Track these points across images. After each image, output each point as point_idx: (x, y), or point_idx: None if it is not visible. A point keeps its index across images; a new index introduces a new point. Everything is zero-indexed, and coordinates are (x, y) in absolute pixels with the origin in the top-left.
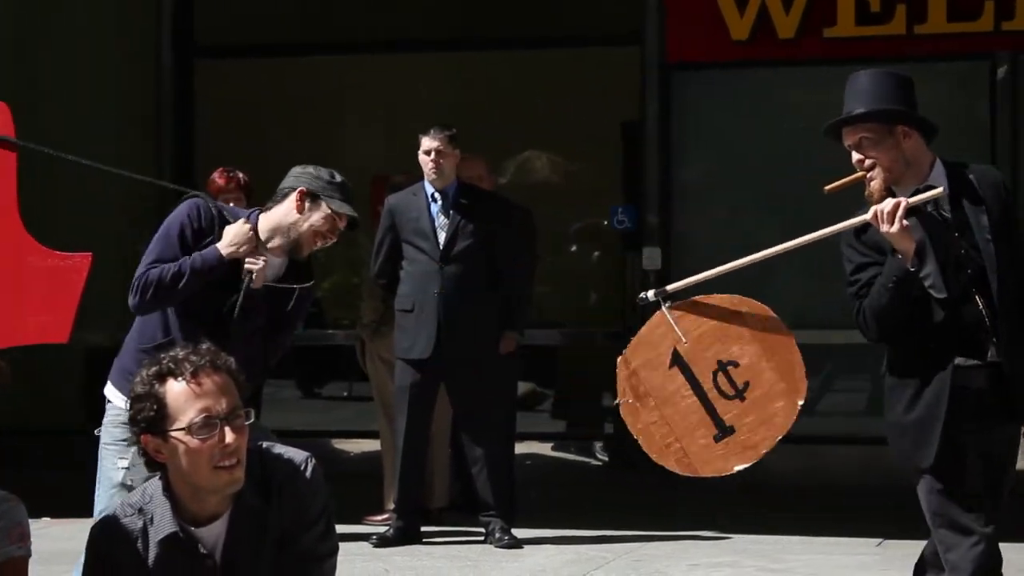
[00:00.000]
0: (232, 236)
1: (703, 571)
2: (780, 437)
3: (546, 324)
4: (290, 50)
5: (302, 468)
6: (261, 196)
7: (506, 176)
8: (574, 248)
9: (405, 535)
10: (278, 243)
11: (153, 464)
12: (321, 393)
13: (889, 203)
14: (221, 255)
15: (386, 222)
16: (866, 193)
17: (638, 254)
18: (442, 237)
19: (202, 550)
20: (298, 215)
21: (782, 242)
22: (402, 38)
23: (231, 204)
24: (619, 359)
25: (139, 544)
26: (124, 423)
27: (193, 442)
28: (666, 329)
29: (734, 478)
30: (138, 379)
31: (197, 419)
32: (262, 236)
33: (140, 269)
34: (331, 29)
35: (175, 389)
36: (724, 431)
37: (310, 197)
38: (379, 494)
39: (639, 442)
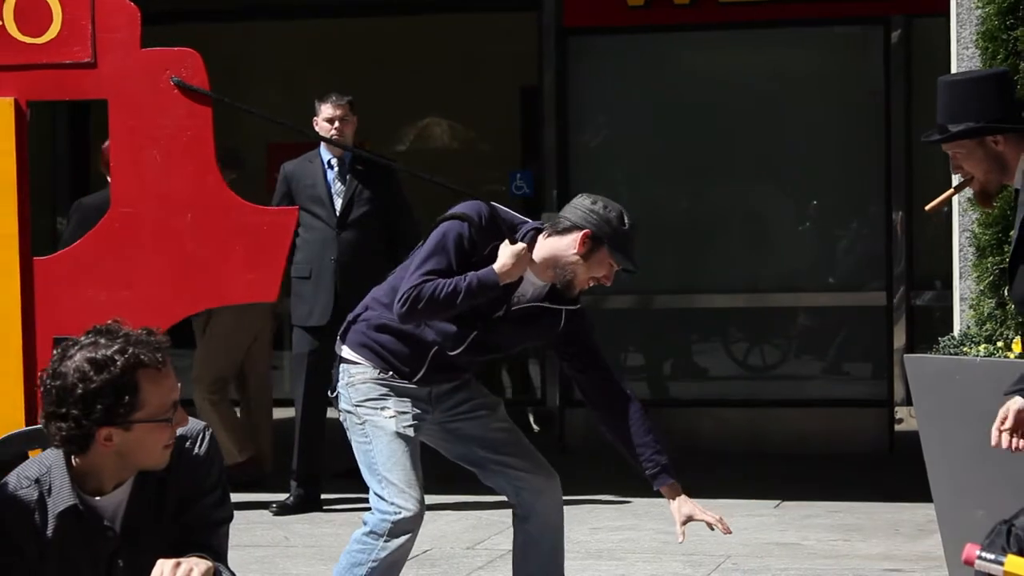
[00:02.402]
0: (507, 257)
1: (604, 534)
2: None
3: None
4: (183, 17)
5: (199, 438)
6: None
7: (405, 143)
8: None
9: (305, 503)
10: (550, 274)
11: (71, 443)
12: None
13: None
14: (497, 280)
15: (282, 188)
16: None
17: (537, 219)
18: (338, 204)
19: (104, 522)
20: (578, 257)
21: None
22: (298, 4)
23: None
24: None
25: (36, 516)
26: (372, 379)
27: (156, 430)
28: None
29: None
30: (92, 370)
31: (169, 410)
32: (536, 258)
33: (413, 279)
34: None
35: (148, 381)
36: None
37: (595, 241)
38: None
39: None
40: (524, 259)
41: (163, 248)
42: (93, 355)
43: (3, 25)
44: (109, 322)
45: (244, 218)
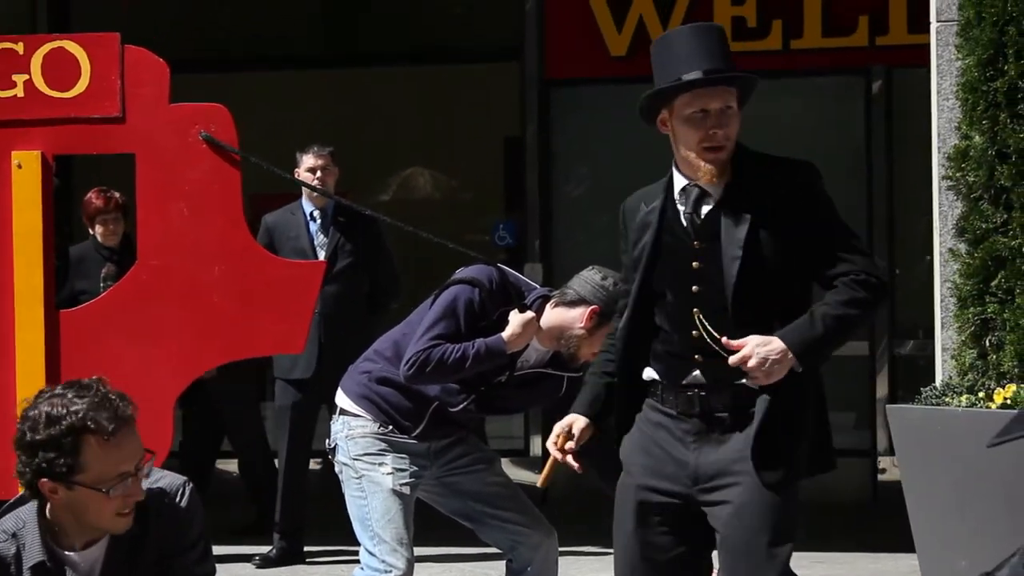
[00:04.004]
0: (516, 326)
1: None
2: None
3: None
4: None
5: (179, 493)
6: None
7: (388, 193)
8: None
9: (288, 555)
10: (554, 344)
11: (35, 492)
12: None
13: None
14: (505, 348)
15: (263, 240)
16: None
17: (520, 270)
18: (321, 255)
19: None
20: (584, 332)
21: None
22: (280, 54)
23: (110, 226)
24: None
25: (12, 570)
26: (371, 434)
27: (99, 497)
28: None
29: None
30: (43, 422)
31: (113, 480)
32: (542, 326)
33: (422, 343)
34: (208, 46)
35: (93, 448)
36: None
37: (602, 318)
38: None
39: None
40: (532, 328)
41: (190, 301)
42: (50, 409)
43: (31, 79)
44: (93, 378)
45: (271, 271)
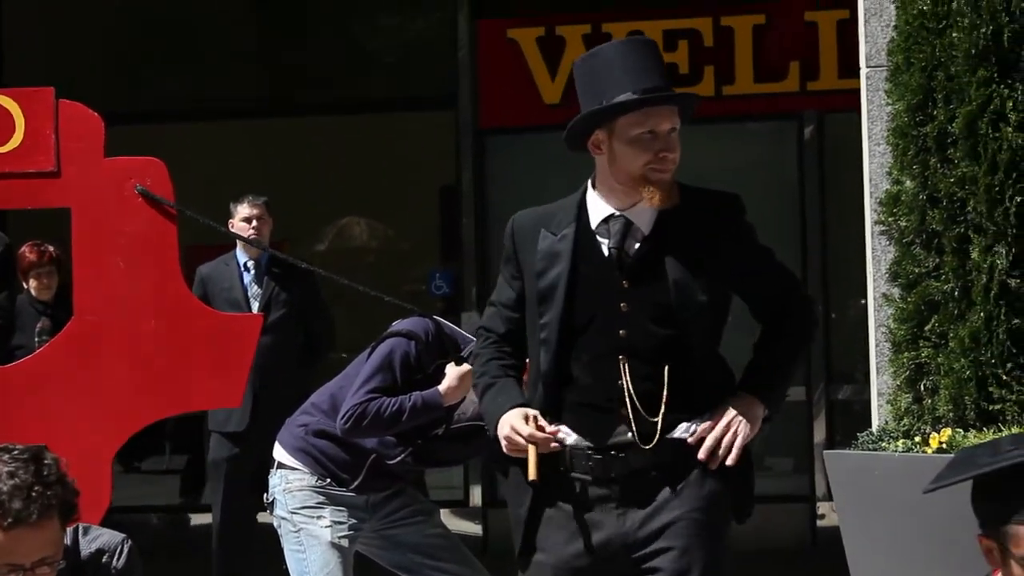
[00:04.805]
0: (452, 379)
1: None
2: None
3: None
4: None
5: (117, 551)
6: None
7: (324, 243)
8: None
9: None
10: None
11: None
12: (141, 467)
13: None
14: (442, 401)
15: (198, 291)
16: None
17: (457, 319)
18: (255, 307)
19: None
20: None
21: None
22: (215, 106)
23: (44, 280)
24: None
25: None
26: (309, 487)
27: None
28: None
29: None
30: None
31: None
32: None
33: (359, 397)
34: (140, 98)
35: None
36: None
37: None
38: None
39: None
40: (468, 380)
41: (127, 356)
42: None
43: None
44: (38, 446)
45: (208, 324)
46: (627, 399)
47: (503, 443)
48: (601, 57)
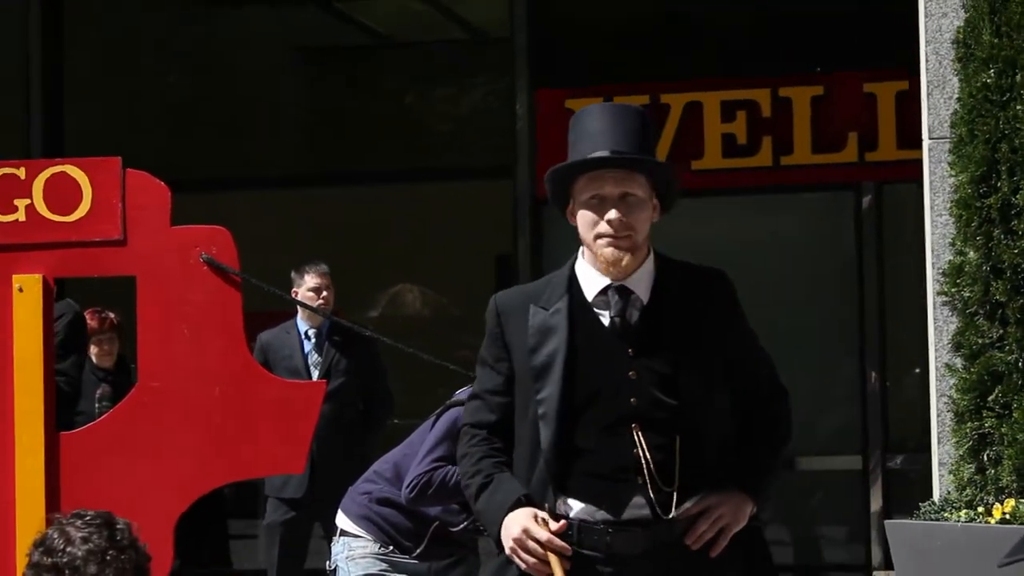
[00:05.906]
0: None
1: None
2: None
3: None
4: None
5: None
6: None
7: (377, 310)
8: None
9: None
10: None
11: None
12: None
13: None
14: None
15: (258, 358)
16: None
17: None
18: (315, 375)
19: None
20: None
21: None
22: (273, 174)
23: (104, 347)
24: None
25: None
26: (372, 554)
27: None
28: None
29: None
30: (38, 545)
31: None
32: None
33: (424, 466)
34: (199, 166)
35: None
36: None
37: None
38: None
39: None
40: None
41: (191, 422)
42: (54, 535)
43: (32, 204)
44: (108, 512)
45: (272, 392)
46: (644, 468)
47: (510, 546)
48: (580, 117)
